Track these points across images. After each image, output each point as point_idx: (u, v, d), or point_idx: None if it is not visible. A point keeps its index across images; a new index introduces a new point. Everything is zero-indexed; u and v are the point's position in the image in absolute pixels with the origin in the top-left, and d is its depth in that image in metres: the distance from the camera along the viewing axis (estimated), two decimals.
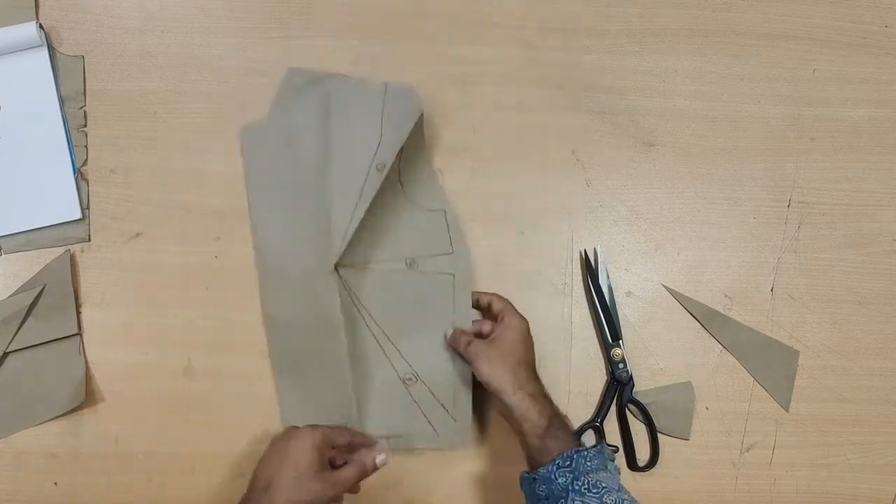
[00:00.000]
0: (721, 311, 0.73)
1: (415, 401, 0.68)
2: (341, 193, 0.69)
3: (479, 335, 0.67)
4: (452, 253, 0.70)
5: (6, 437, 0.68)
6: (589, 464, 0.56)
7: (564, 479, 0.55)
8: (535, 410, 0.59)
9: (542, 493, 0.57)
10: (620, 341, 0.71)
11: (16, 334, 0.68)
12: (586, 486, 0.54)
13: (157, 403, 0.69)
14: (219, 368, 0.69)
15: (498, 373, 0.61)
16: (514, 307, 0.66)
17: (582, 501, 0.53)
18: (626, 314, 0.72)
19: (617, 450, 0.70)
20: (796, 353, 0.72)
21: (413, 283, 0.70)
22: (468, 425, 0.68)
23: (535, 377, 0.63)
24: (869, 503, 0.71)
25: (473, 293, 0.69)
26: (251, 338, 0.70)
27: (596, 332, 0.72)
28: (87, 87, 0.75)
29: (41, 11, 0.76)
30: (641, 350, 0.72)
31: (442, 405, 0.68)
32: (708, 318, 0.72)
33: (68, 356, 0.69)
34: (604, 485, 0.54)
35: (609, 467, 0.57)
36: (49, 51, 0.74)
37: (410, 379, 0.68)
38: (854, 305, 0.74)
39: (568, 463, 0.56)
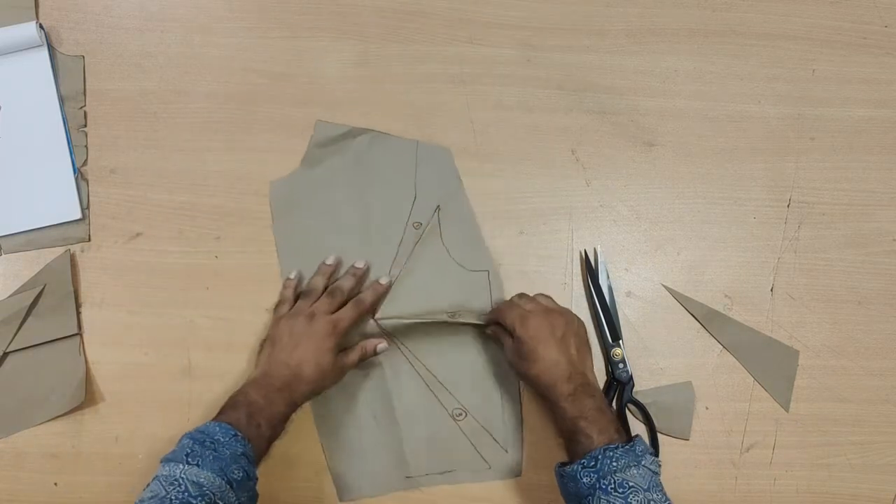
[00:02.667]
0: (721, 311, 0.73)
1: (465, 435, 0.68)
2: (377, 249, 0.71)
3: None
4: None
5: (6, 437, 0.68)
6: (615, 464, 0.55)
7: (589, 479, 0.55)
8: (566, 410, 0.60)
9: (571, 490, 0.57)
10: (620, 341, 0.71)
11: (16, 334, 0.68)
12: (612, 486, 0.54)
13: (157, 403, 0.69)
14: (219, 368, 0.69)
15: (539, 372, 0.62)
16: (518, 317, 0.64)
17: (607, 500, 0.53)
18: (626, 314, 0.72)
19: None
20: (796, 353, 0.72)
21: (454, 329, 0.70)
22: (520, 455, 0.68)
23: (577, 376, 0.62)
24: (869, 503, 0.71)
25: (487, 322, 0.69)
26: (251, 338, 0.70)
27: (596, 332, 0.72)
28: (87, 87, 0.75)
29: (41, 11, 0.76)
30: (641, 350, 0.72)
31: (493, 437, 0.68)
32: (708, 318, 0.72)
33: (68, 356, 0.69)
34: (630, 484, 0.53)
35: (643, 463, 0.55)
36: (49, 51, 0.74)
37: (460, 414, 0.69)
38: (854, 305, 0.74)
39: (593, 464, 0.55)
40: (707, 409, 0.71)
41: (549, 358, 0.62)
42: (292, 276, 0.70)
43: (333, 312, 0.66)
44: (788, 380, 0.72)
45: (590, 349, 0.66)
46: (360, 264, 0.70)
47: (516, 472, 0.68)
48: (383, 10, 0.77)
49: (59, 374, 0.68)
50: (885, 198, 0.76)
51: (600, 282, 0.72)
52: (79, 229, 0.72)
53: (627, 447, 0.56)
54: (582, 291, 0.73)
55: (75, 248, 0.72)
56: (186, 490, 0.51)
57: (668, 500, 0.54)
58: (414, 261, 0.71)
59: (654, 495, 0.53)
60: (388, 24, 0.77)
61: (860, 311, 0.74)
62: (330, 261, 0.70)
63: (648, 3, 0.78)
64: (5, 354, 0.68)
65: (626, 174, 0.75)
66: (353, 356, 0.67)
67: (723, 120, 0.77)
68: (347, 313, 0.66)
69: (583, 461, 0.56)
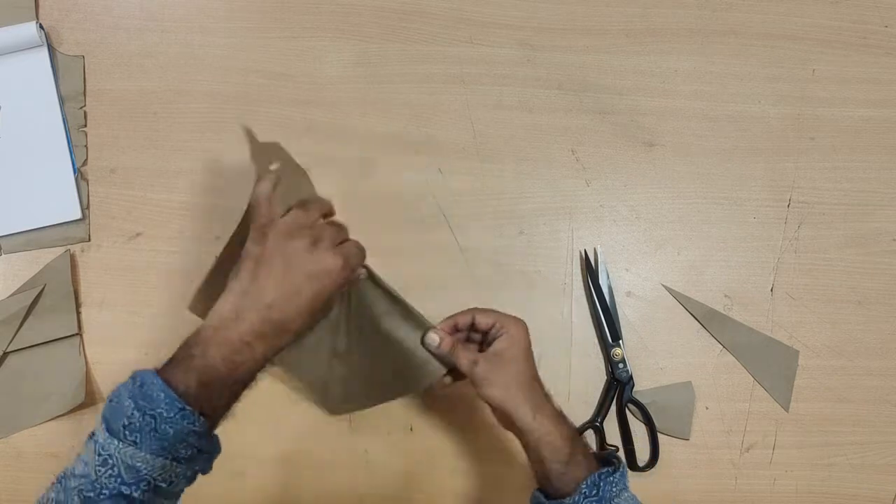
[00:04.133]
0: (721, 310, 0.73)
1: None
2: None
3: (474, 331, 0.61)
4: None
5: (6, 437, 0.68)
6: (614, 489, 0.53)
7: None
8: (557, 434, 0.54)
9: None
10: (620, 341, 0.71)
11: (16, 334, 0.68)
12: None
13: None
14: None
15: (511, 394, 0.55)
16: (504, 314, 0.59)
17: None
18: (626, 314, 0.72)
19: (617, 449, 0.70)
20: (796, 353, 0.72)
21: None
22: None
23: (546, 394, 0.58)
24: (869, 503, 0.71)
25: (449, 319, 0.60)
26: None
27: (596, 332, 0.72)
28: (87, 87, 0.75)
29: (41, 11, 0.76)
30: (641, 350, 0.72)
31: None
32: (708, 318, 0.72)
33: (68, 356, 0.69)
34: None
35: (626, 483, 0.54)
36: (49, 51, 0.74)
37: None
38: (854, 305, 0.74)
39: (594, 492, 0.52)
40: (707, 409, 0.71)
41: (502, 387, 0.56)
42: (273, 167, 0.57)
43: (342, 244, 0.53)
44: (788, 380, 0.72)
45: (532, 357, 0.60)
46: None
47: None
48: (383, 9, 0.77)
49: (59, 374, 0.68)
50: (885, 198, 0.76)
51: (600, 282, 0.72)
52: (79, 229, 0.72)
53: (621, 471, 0.54)
54: (582, 291, 0.73)
55: (75, 248, 0.72)
56: (119, 475, 0.44)
57: None
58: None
59: None
60: (388, 24, 0.77)
61: (860, 311, 0.74)
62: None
63: (648, 3, 0.78)
64: (5, 354, 0.68)
65: (626, 174, 0.75)
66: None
67: (723, 120, 0.77)
68: (357, 250, 0.54)
69: (583, 490, 0.52)
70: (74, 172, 0.72)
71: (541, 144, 0.75)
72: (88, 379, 0.69)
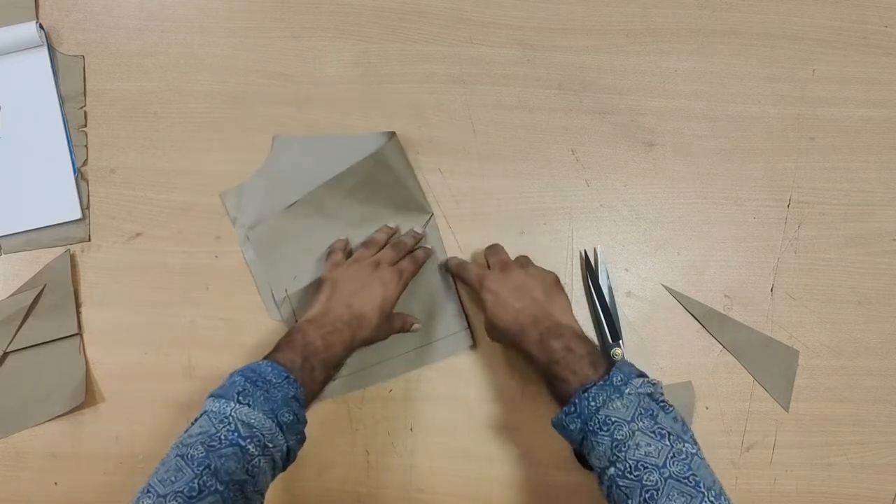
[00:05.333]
0: (721, 310, 0.73)
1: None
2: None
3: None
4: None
5: (6, 437, 0.68)
6: (594, 403, 0.53)
7: (575, 425, 0.54)
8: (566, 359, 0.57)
9: (570, 439, 0.56)
10: (620, 341, 0.71)
11: (16, 334, 0.68)
12: (597, 426, 0.52)
13: (157, 403, 0.69)
14: (219, 368, 0.69)
15: (510, 326, 0.62)
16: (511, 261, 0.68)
17: (597, 442, 0.52)
18: (626, 314, 0.72)
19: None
20: (796, 353, 0.72)
21: None
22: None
23: (553, 322, 0.61)
24: (869, 503, 0.71)
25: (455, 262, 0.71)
26: (251, 338, 0.70)
27: (596, 332, 0.72)
28: (87, 87, 0.75)
29: (41, 11, 0.76)
30: (641, 350, 0.72)
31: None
32: (708, 318, 0.72)
33: (68, 356, 0.69)
34: (613, 419, 0.51)
35: (628, 391, 0.53)
36: (49, 51, 0.74)
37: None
38: (854, 305, 0.74)
39: (573, 409, 0.54)
40: (707, 408, 0.71)
41: (512, 308, 0.62)
42: (342, 237, 0.72)
43: (397, 263, 0.67)
44: (788, 380, 0.72)
45: (561, 292, 0.66)
46: (419, 230, 0.72)
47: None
48: (383, 9, 0.77)
49: (59, 374, 0.68)
50: (885, 198, 0.76)
51: (600, 282, 0.72)
52: (79, 229, 0.72)
53: (603, 382, 0.53)
54: (582, 291, 0.73)
55: (75, 248, 0.72)
56: (237, 430, 0.51)
57: (664, 412, 0.52)
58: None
59: (641, 423, 0.51)
60: (388, 24, 0.77)
61: (860, 311, 0.74)
62: (392, 224, 0.72)
63: (648, 3, 0.78)
64: (5, 354, 0.68)
65: (626, 174, 0.75)
66: (398, 322, 0.68)
67: (723, 120, 0.77)
68: (409, 265, 0.68)
69: (564, 408, 0.55)
70: (74, 172, 0.73)
71: (541, 144, 0.75)
72: (88, 379, 0.69)
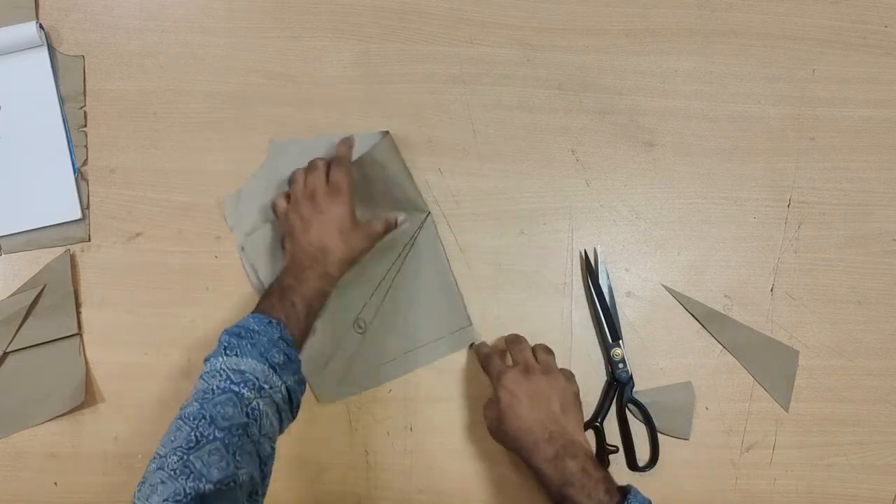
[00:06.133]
0: (721, 311, 0.73)
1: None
2: None
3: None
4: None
5: (6, 437, 0.68)
6: None
7: None
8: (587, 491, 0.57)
9: None
10: (620, 341, 0.71)
11: (16, 334, 0.68)
12: None
13: (157, 403, 0.69)
14: None
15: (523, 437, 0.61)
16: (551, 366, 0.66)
17: None
18: (626, 314, 0.72)
19: (617, 449, 0.70)
20: (796, 353, 0.72)
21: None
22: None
23: (570, 442, 0.60)
24: (869, 503, 0.71)
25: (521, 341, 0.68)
26: None
27: (596, 332, 0.72)
28: (87, 87, 0.75)
29: (41, 11, 0.76)
30: (641, 350, 0.72)
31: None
32: (708, 318, 0.72)
33: (68, 356, 0.69)
34: None
35: None
36: (49, 51, 0.74)
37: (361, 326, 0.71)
38: (854, 305, 0.74)
39: None
40: (707, 409, 0.71)
41: (527, 417, 0.60)
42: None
43: (328, 182, 0.67)
44: (788, 380, 0.72)
45: (578, 408, 0.64)
46: (336, 138, 0.72)
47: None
48: (383, 9, 0.77)
49: (59, 374, 0.68)
50: (885, 198, 0.76)
51: (600, 282, 0.72)
52: (79, 229, 0.72)
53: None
54: (582, 291, 0.73)
55: (75, 248, 0.72)
56: (228, 378, 0.52)
57: None
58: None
59: None
60: (388, 24, 0.77)
61: (860, 311, 0.74)
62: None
63: (648, 3, 0.78)
64: (5, 354, 0.68)
65: (626, 174, 0.75)
66: (378, 225, 0.68)
67: (723, 120, 0.77)
68: (338, 173, 0.67)
69: None
70: (74, 172, 0.72)
71: (541, 144, 0.75)
72: (88, 379, 0.69)
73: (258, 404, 0.52)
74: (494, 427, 0.64)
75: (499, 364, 0.65)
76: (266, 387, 0.53)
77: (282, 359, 0.55)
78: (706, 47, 0.78)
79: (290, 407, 0.57)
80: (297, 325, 0.60)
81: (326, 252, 0.64)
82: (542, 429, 0.59)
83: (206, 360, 0.55)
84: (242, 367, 0.53)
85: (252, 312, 0.59)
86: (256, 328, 0.56)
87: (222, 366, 0.53)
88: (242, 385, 0.52)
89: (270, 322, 0.57)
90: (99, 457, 0.68)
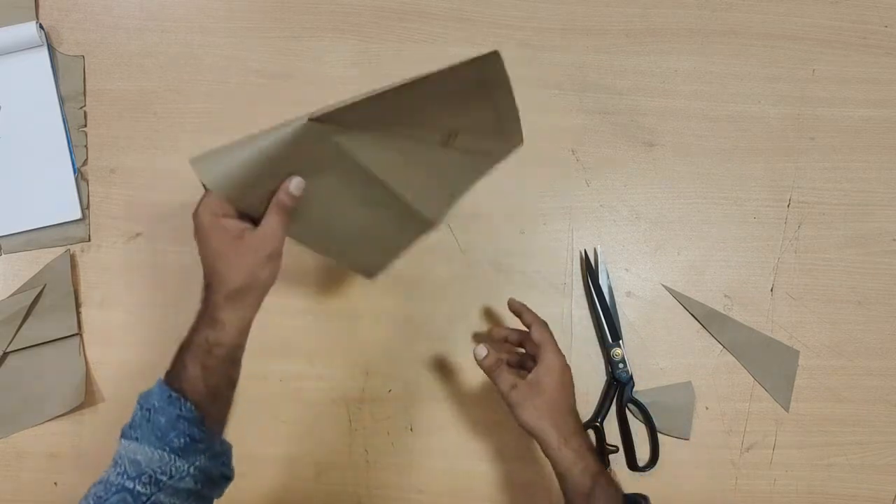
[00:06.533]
0: (721, 311, 0.73)
1: (462, 151, 0.60)
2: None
3: (517, 345, 0.66)
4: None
5: (6, 437, 0.68)
6: None
7: None
8: (580, 469, 0.56)
9: None
10: (620, 341, 0.71)
11: (16, 334, 0.68)
12: None
13: None
14: None
15: (543, 424, 0.57)
16: (553, 341, 0.62)
17: None
18: (626, 314, 0.72)
19: (617, 449, 0.70)
20: (796, 353, 0.72)
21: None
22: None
23: (579, 427, 0.59)
24: (869, 503, 0.71)
25: (516, 302, 0.65)
26: (251, 338, 0.70)
27: (596, 332, 0.72)
28: (87, 87, 0.75)
29: (41, 11, 0.76)
30: (641, 350, 0.72)
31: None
32: (708, 318, 0.72)
33: (68, 356, 0.69)
34: None
35: None
36: (49, 51, 0.74)
37: (449, 136, 0.59)
38: (854, 305, 0.74)
39: None
40: (707, 409, 0.71)
41: (556, 398, 0.59)
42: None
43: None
44: (788, 380, 0.72)
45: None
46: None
47: (519, 140, 0.62)
48: (383, 9, 0.77)
49: (59, 374, 0.68)
50: (885, 198, 0.76)
51: (600, 282, 0.72)
52: (79, 229, 0.72)
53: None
54: (582, 291, 0.73)
55: (75, 248, 0.72)
56: (125, 472, 0.47)
57: None
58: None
59: None
60: (388, 24, 0.77)
61: (860, 311, 0.74)
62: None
63: (648, 3, 0.78)
64: (5, 354, 0.68)
65: (626, 174, 0.75)
66: (270, 218, 0.52)
67: (723, 120, 0.77)
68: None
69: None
70: (74, 172, 0.72)
71: (541, 144, 0.75)
72: (88, 379, 0.69)
73: (159, 497, 0.47)
74: (521, 392, 0.59)
75: (507, 379, 0.60)
76: (164, 478, 0.47)
77: (183, 442, 0.48)
78: (706, 47, 0.78)
79: (209, 483, 0.51)
80: (198, 391, 0.50)
81: (210, 286, 0.53)
82: (562, 412, 0.59)
83: (122, 432, 0.50)
84: (139, 457, 0.47)
85: (163, 375, 0.52)
86: (156, 403, 0.49)
87: (123, 451, 0.48)
88: (137, 480, 0.47)
89: (171, 396, 0.49)
90: (99, 457, 0.68)
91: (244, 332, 0.53)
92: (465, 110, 0.59)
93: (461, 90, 0.58)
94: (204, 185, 0.54)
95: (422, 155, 0.59)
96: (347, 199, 0.59)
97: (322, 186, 0.56)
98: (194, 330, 0.52)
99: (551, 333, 0.62)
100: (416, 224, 0.63)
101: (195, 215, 0.54)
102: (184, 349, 0.52)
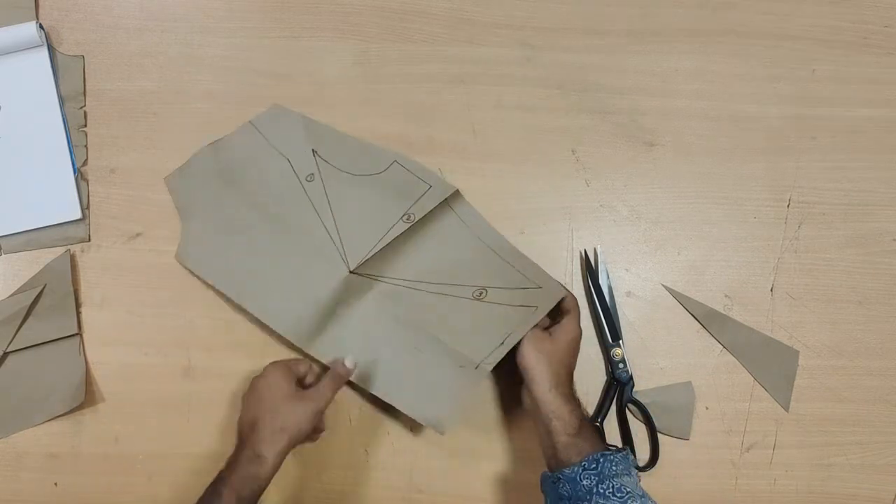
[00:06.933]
0: (721, 311, 0.73)
1: (498, 303, 0.67)
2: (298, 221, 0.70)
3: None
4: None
5: (6, 437, 0.68)
6: (615, 468, 0.55)
7: (589, 482, 0.55)
8: (568, 410, 0.59)
9: (566, 494, 0.56)
10: (620, 341, 0.71)
11: (16, 334, 0.68)
12: (611, 490, 0.54)
13: (157, 403, 0.69)
14: (219, 368, 0.69)
15: (541, 367, 0.61)
16: (579, 314, 0.66)
17: None
18: (626, 314, 0.72)
19: (618, 450, 0.69)
20: (796, 353, 0.72)
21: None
22: (552, 280, 0.68)
23: (572, 383, 0.63)
24: (869, 503, 0.71)
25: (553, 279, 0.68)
26: (251, 338, 0.70)
27: (596, 332, 0.72)
28: (87, 87, 0.75)
29: (41, 11, 0.76)
30: (641, 350, 0.72)
31: (524, 275, 0.68)
32: (708, 318, 0.72)
33: (68, 356, 0.69)
34: (628, 489, 0.54)
35: (632, 472, 0.57)
36: (49, 51, 0.74)
37: (480, 293, 0.68)
38: (854, 305, 0.74)
39: (594, 466, 0.55)
40: (707, 409, 0.71)
41: (568, 355, 0.63)
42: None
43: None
44: (788, 380, 0.72)
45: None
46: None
47: (562, 292, 0.66)
48: (383, 9, 0.77)
49: (59, 374, 0.68)
50: (885, 198, 0.76)
51: (600, 282, 0.72)
52: (79, 229, 0.72)
53: (624, 454, 0.57)
54: (582, 291, 0.73)
55: (75, 248, 0.72)
56: None
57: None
58: (339, 206, 0.70)
59: (648, 502, 0.54)
60: (388, 24, 0.77)
61: (860, 311, 0.74)
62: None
63: (648, 3, 0.78)
64: (5, 354, 0.68)
65: (626, 174, 0.75)
66: (324, 389, 0.61)
67: (723, 120, 0.77)
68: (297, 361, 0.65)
69: (583, 463, 0.56)
70: (74, 172, 0.72)
71: (541, 144, 0.75)
72: (88, 379, 0.69)
73: None
74: (543, 336, 0.64)
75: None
76: None
77: None
78: (707, 47, 0.78)
79: None
80: None
81: (255, 428, 0.58)
82: (566, 369, 0.63)
83: None
84: None
85: None
86: None
87: None
88: None
89: None
90: (99, 457, 0.68)
91: (278, 468, 0.58)
92: (489, 272, 0.69)
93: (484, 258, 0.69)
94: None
95: (456, 305, 0.67)
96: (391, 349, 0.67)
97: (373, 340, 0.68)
98: (231, 468, 0.57)
99: (579, 310, 0.66)
100: (468, 371, 0.65)
101: (260, 378, 0.62)
102: (219, 482, 0.56)
